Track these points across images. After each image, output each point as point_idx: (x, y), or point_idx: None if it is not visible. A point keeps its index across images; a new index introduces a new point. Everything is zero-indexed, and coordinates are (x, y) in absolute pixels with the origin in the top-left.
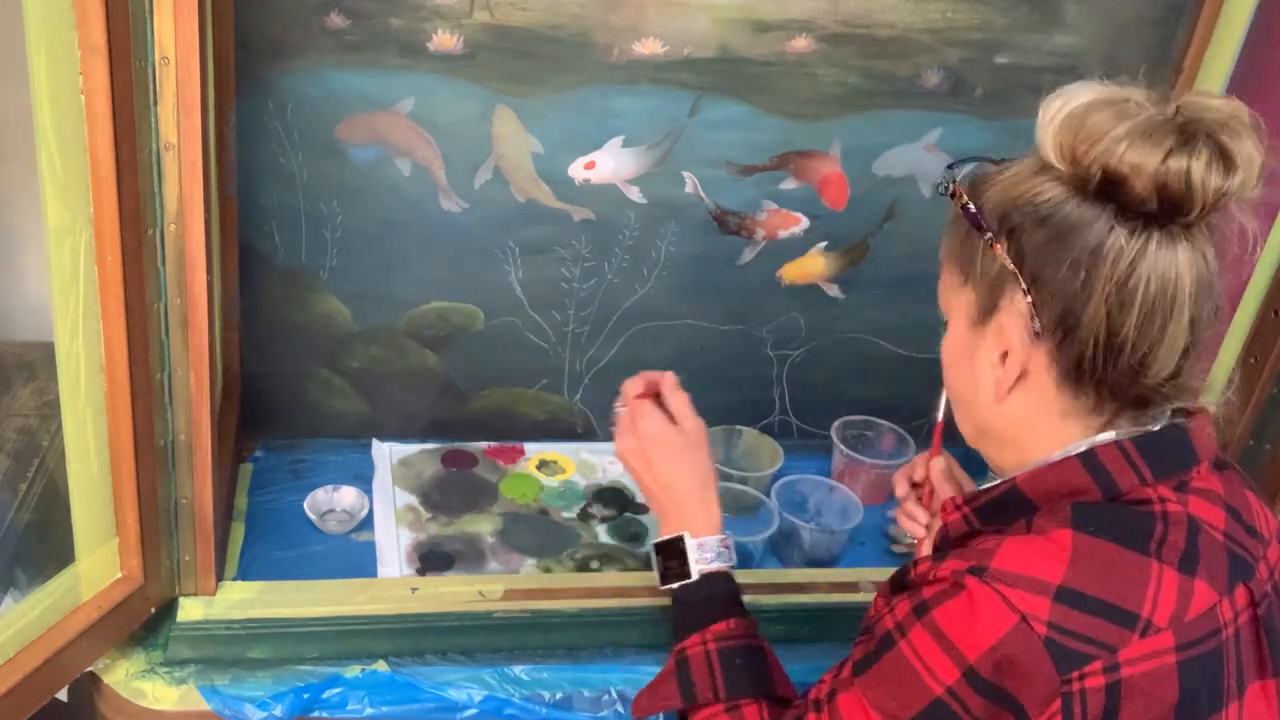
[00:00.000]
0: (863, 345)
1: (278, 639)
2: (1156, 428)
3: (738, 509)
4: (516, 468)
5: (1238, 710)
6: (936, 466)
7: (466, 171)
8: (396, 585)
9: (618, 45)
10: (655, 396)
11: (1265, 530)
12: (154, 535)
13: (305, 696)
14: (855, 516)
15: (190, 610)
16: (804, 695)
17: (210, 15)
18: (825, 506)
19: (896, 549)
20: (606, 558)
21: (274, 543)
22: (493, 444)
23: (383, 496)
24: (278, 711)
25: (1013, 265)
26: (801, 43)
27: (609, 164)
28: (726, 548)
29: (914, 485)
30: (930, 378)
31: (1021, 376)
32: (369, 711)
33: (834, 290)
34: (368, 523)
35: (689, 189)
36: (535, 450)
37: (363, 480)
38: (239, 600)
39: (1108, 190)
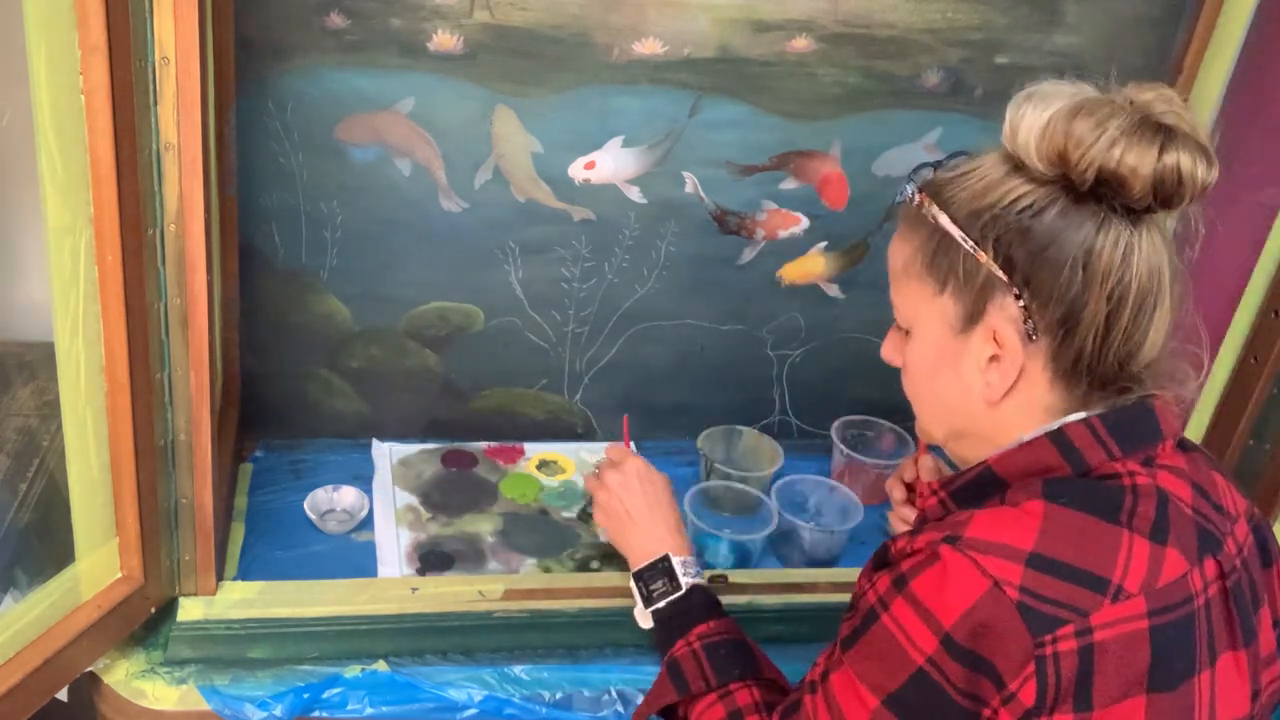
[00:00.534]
0: (863, 345)
1: (278, 639)
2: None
3: (738, 509)
4: (516, 468)
5: (1209, 678)
6: (925, 465)
7: (466, 171)
8: (396, 585)
9: (618, 45)
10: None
11: (1233, 509)
12: (154, 535)
13: (305, 696)
14: (855, 516)
15: (190, 610)
16: (800, 681)
17: (210, 15)
18: (825, 506)
19: None
20: (606, 558)
21: (274, 543)
22: (493, 444)
23: (383, 496)
24: (278, 711)
25: (1002, 273)
26: (801, 43)
27: (609, 164)
28: (698, 565)
29: (908, 487)
30: None
31: (1017, 378)
32: (369, 711)
33: (834, 290)
34: (368, 523)
35: (689, 189)
36: (535, 450)
37: (363, 480)
38: (239, 600)
39: (1101, 191)
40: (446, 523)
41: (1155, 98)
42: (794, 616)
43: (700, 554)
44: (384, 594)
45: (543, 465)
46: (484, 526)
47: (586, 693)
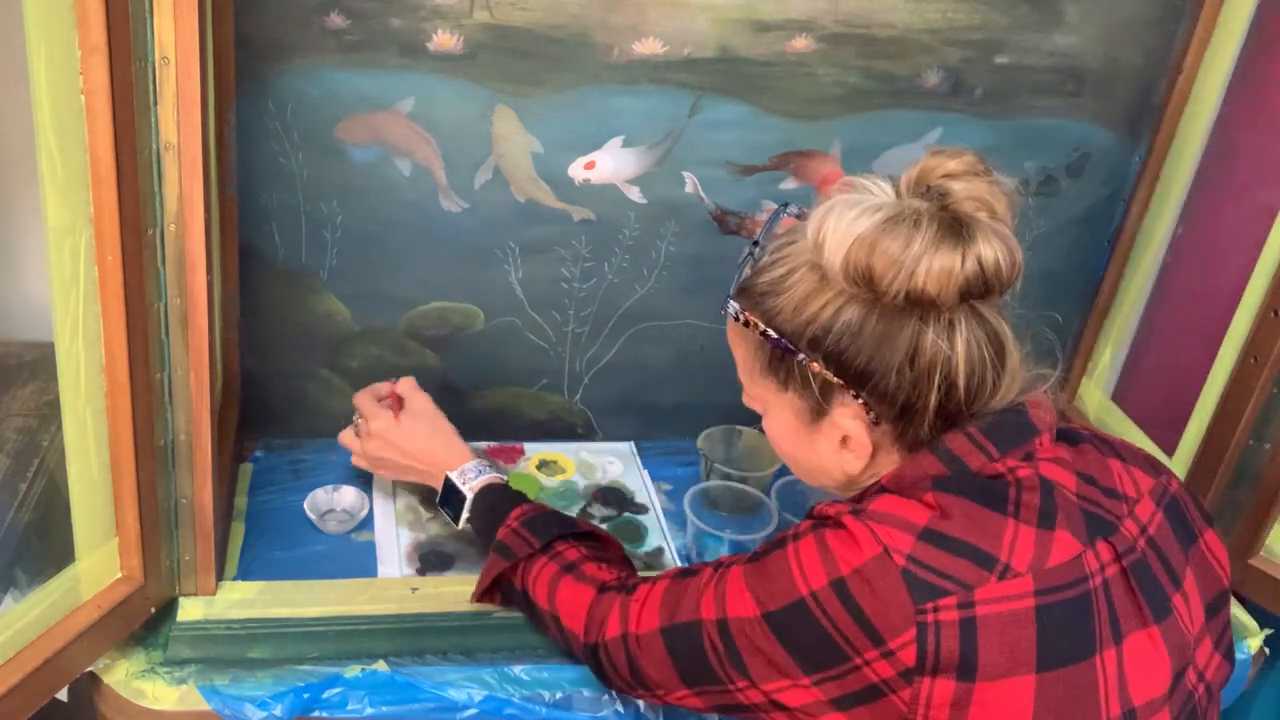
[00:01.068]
0: None
1: (278, 639)
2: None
3: (738, 509)
4: (516, 468)
5: (1116, 656)
6: None
7: (466, 171)
8: (396, 585)
9: (618, 45)
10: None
11: (1132, 491)
12: (154, 535)
13: (305, 696)
14: None
15: (190, 610)
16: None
17: (210, 15)
18: None
19: None
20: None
21: (274, 543)
22: (493, 444)
23: (383, 496)
24: (278, 711)
25: (837, 379)
26: (801, 43)
27: (609, 164)
28: (486, 465)
29: None
30: None
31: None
32: (369, 711)
33: None
34: (368, 523)
35: (689, 189)
36: (535, 450)
37: (363, 480)
38: (239, 600)
39: (913, 303)
40: (446, 523)
41: (960, 188)
42: None
43: (700, 554)
44: (384, 594)
45: (543, 465)
46: None
47: (586, 693)
